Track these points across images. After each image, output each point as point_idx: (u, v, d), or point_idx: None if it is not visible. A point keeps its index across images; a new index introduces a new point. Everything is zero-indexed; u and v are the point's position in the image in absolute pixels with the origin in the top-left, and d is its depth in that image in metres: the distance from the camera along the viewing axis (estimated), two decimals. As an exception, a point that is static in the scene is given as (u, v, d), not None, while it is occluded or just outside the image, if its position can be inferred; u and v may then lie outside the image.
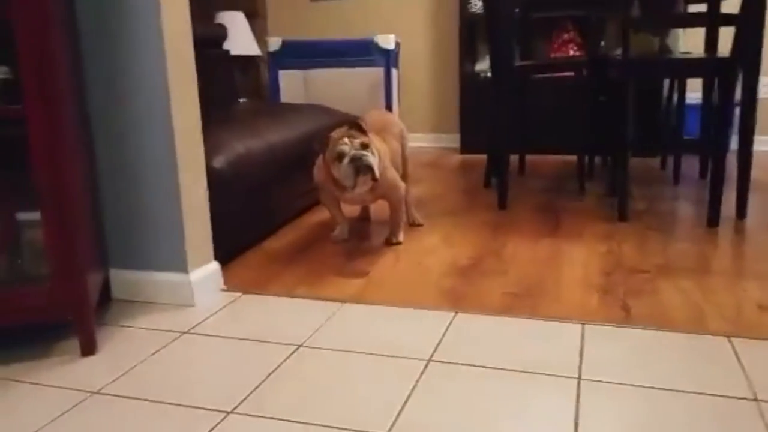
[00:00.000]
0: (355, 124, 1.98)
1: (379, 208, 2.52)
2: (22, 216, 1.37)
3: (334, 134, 1.97)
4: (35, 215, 1.35)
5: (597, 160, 3.49)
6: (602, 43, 3.36)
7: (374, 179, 1.92)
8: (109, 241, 1.73)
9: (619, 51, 2.45)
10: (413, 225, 2.41)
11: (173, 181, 1.64)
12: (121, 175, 1.68)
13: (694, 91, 3.55)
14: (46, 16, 1.27)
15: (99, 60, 1.62)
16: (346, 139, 1.92)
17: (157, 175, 1.65)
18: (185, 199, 1.67)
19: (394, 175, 2.12)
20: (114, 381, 1.29)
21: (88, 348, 1.41)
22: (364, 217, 2.55)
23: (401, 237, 2.20)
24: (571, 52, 3.89)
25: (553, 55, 3.94)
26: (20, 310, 1.35)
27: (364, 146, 1.92)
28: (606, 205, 2.65)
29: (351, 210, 2.55)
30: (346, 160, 1.90)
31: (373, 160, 1.91)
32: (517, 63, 2.76)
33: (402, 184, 2.15)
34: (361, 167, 1.89)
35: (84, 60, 1.63)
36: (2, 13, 1.25)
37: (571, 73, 3.31)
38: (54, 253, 1.34)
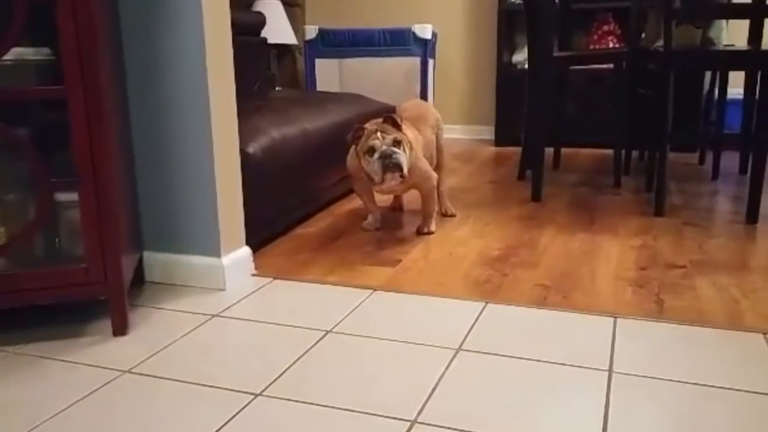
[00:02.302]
0: (390, 118, 1.98)
1: (412, 198, 2.51)
2: (61, 196, 1.40)
3: (368, 126, 1.99)
4: (73, 196, 1.38)
5: (634, 154, 3.41)
6: (643, 35, 3.28)
7: (402, 177, 1.94)
8: (143, 224, 1.76)
9: (660, 43, 2.38)
10: (446, 215, 2.40)
11: (208, 166, 1.66)
12: (157, 159, 1.70)
13: (736, 86, 3.45)
14: (87, -1, 1.29)
15: (138, 43, 1.64)
16: (378, 134, 1.93)
17: (192, 159, 1.67)
18: (220, 184, 1.68)
19: (426, 166, 2.11)
20: (145, 361, 1.32)
21: (121, 328, 1.44)
22: (397, 207, 2.54)
23: (433, 227, 2.19)
24: (611, 44, 3.81)
25: (592, 47, 3.86)
26: (57, 288, 1.39)
27: (396, 143, 1.93)
28: (642, 200, 2.59)
29: (384, 199, 2.54)
30: (376, 156, 1.92)
31: (402, 158, 1.92)
32: (556, 54, 2.71)
33: (434, 175, 2.15)
34: (389, 165, 1.91)
35: (124, 42, 1.65)
36: (45, -4, 1.28)
37: (610, 66, 3.25)
38: (90, 234, 1.37)
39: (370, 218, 2.26)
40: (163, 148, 1.69)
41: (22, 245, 1.40)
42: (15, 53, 1.37)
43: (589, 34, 3.89)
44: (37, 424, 1.08)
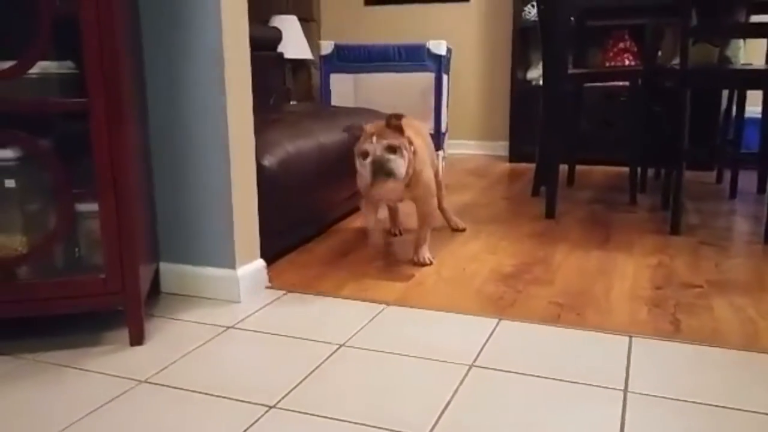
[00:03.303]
0: (393, 122, 1.85)
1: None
2: (81, 207, 1.42)
3: (368, 128, 1.87)
4: (93, 206, 1.40)
5: (650, 172, 3.40)
6: (659, 53, 3.28)
7: (396, 179, 1.82)
8: (160, 235, 1.78)
9: (676, 61, 2.38)
10: (455, 230, 2.40)
11: (225, 179, 1.68)
12: (175, 170, 1.72)
13: (755, 104, 3.43)
14: (112, 14, 1.32)
15: (159, 55, 1.67)
16: (374, 138, 1.81)
17: (209, 171, 1.69)
18: (235, 196, 1.70)
19: (429, 177, 2.00)
20: (161, 371, 1.33)
21: (137, 338, 1.45)
22: (395, 231, 2.39)
23: (427, 254, 2.02)
24: (627, 62, 3.81)
25: (608, 64, 3.86)
26: (75, 298, 1.40)
27: (392, 149, 1.80)
28: (658, 219, 2.58)
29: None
30: (368, 160, 1.81)
31: (397, 164, 1.80)
32: (571, 71, 2.72)
33: (435, 192, 2.06)
34: (380, 170, 1.79)
35: (144, 55, 1.68)
36: (68, 10, 1.30)
37: (626, 83, 3.25)
38: (109, 244, 1.39)
39: (372, 236, 2.11)
40: (181, 159, 1.71)
41: (42, 255, 1.42)
42: (40, 67, 1.40)
43: (604, 51, 3.89)
44: (53, 432, 1.09)
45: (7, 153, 1.37)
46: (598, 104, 3.70)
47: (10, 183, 1.39)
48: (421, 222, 2.04)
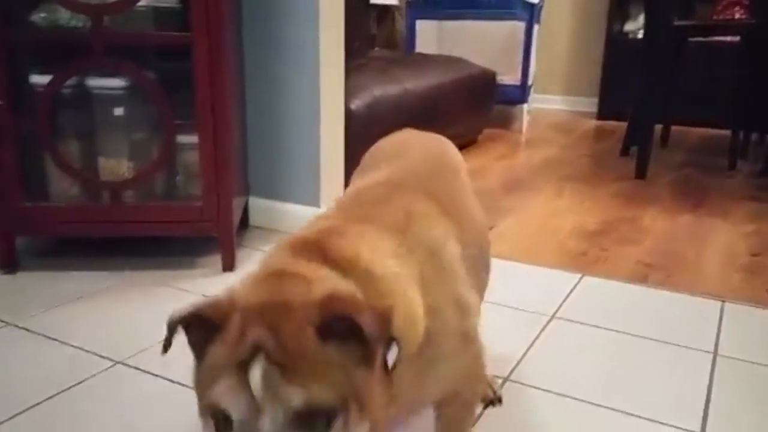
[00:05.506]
0: (282, 272, 0.60)
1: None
2: (181, 138, 1.48)
3: (238, 294, 0.58)
4: (192, 138, 1.46)
5: (753, 136, 3.19)
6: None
7: None
8: (250, 171, 1.84)
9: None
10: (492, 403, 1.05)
11: (314, 120, 1.70)
12: (266, 108, 1.76)
13: None
14: (217, -52, 1.34)
15: (257, -4, 1.69)
16: (248, 341, 0.53)
17: (299, 111, 1.72)
18: (324, 137, 1.73)
19: (475, 335, 0.75)
20: (250, 297, 1.39)
21: (229, 264, 1.52)
22: None
23: None
24: (737, 15, 3.54)
25: (715, 18, 3.60)
26: (174, 222, 1.48)
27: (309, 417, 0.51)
28: (758, 185, 2.43)
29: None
30: None
31: None
32: (676, 23, 2.56)
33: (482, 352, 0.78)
34: None
35: (243, -5, 1.71)
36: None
37: (735, 38, 3.02)
38: (206, 174, 1.45)
39: None
40: (273, 97, 1.74)
41: (145, 181, 1.50)
42: (147, 0, 1.45)
43: (713, 3, 3.63)
44: (150, 345, 1.17)
45: (117, 82, 1.44)
46: (703, 60, 3.47)
47: (118, 111, 1.46)
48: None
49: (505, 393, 1.05)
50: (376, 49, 4.04)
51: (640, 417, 1.00)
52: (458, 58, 3.22)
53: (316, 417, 0.51)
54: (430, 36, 3.84)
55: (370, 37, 3.86)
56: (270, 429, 0.50)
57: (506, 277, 1.52)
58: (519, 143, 3.27)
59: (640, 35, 3.52)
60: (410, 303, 0.62)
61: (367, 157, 1.04)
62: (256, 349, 0.51)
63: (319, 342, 0.52)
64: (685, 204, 2.17)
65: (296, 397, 0.50)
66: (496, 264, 1.58)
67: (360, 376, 0.54)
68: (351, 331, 0.52)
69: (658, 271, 1.57)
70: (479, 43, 3.66)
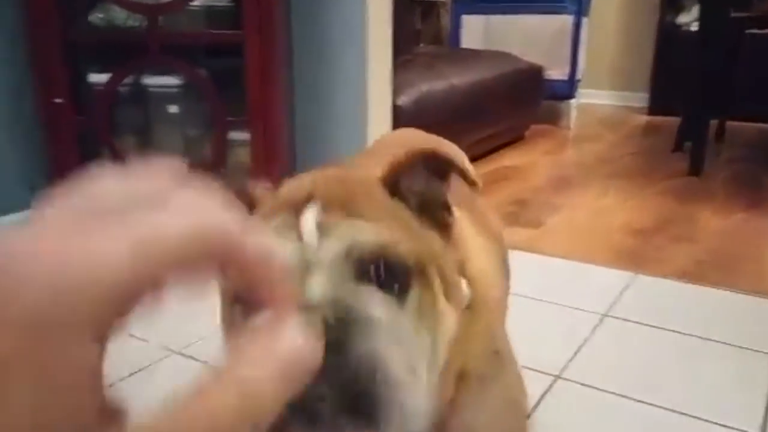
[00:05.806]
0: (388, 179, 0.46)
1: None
2: (233, 135, 1.51)
3: (289, 188, 0.48)
4: (244, 135, 1.49)
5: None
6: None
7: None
8: (299, 168, 1.86)
9: None
10: None
11: (362, 116, 1.71)
12: (316, 106, 1.78)
13: None
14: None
15: (306, -7, 1.71)
16: (308, 217, 0.41)
17: (348, 108, 1.73)
18: (371, 133, 1.73)
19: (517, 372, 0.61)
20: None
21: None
22: None
23: None
24: (798, 6, 3.39)
25: (774, 9, 3.46)
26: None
27: (391, 276, 0.40)
28: (821, 182, 2.33)
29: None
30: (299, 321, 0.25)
31: (392, 362, 0.37)
32: (733, 14, 2.47)
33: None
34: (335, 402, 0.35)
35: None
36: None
37: (796, 29, 2.90)
38: (257, 171, 1.47)
39: None
40: (321, 95, 1.76)
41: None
42: (201, 0, 1.48)
43: (771, -5, 3.49)
44: (206, 335, 1.20)
45: (171, 80, 1.48)
46: (761, 53, 3.34)
47: (173, 108, 1.50)
48: None
49: (557, 391, 1.03)
50: (421, 45, 4.03)
51: (697, 418, 0.97)
52: (505, 53, 3.18)
53: (386, 273, 0.38)
54: (476, 31, 3.81)
55: (415, 33, 3.86)
56: (329, 285, 0.36)
57: (557, 274, 1.50)
58: (567, 139, 3.21)
59: (694, 27, 3.41)
60: (482, 268, 0.55)
61: (369, 149, 1.03)
62: (311, 196, 0.41)
63: (390, 197, 0.43)
64: (741, 201, 2.09)
65: (365, 233, 0.38)
66: (547, 262, 1.56)
67: (441, 246, 0.43)
68: (427, 183, 0.44)
69: (715, 270, 1.53)
70: (526, 37, 3.61)
